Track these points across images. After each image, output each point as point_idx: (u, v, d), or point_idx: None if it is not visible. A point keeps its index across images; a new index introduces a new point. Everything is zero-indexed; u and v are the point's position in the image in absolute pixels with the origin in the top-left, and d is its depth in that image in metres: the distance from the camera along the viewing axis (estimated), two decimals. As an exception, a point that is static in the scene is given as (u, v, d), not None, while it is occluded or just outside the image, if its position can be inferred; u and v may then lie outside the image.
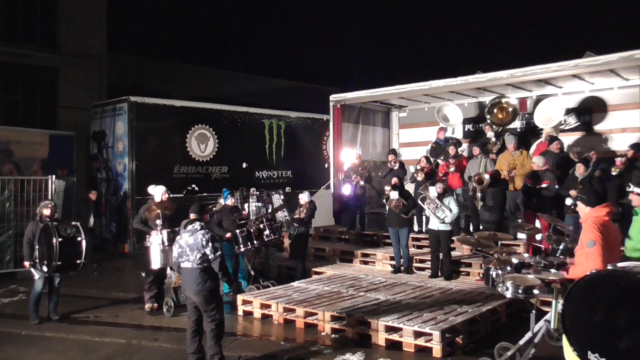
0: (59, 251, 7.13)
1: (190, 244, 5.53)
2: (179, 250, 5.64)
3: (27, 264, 7.49)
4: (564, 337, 3.89)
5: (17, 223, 10.79)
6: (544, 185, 8.92)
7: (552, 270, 5.24)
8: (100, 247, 13.42)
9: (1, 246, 10.70)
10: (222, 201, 10.42)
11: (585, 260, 4.45)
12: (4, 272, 10.59)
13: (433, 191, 8.85)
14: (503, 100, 11.77)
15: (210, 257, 5.50)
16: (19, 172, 12.70)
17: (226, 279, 5.79)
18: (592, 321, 3.59)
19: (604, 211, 4.67)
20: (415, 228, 10.76)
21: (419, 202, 9.03)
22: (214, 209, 9.69)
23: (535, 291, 5.06)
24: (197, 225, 5.61)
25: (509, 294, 5.24)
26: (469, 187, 9.86)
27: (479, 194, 9.40)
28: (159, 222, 7.90)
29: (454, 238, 9.07)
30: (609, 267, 3.88)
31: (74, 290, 9.22)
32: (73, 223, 7.77)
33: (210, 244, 5.48)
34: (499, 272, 5.59)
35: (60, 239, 7.14)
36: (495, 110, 11.83)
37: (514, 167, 9.53)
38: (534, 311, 5.35)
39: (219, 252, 5.54)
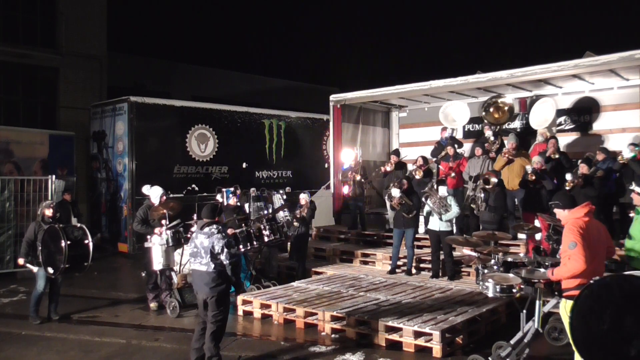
0: (67, 254, 7.08)
1: (206, 247, 5.52)
2: (193, 250, 5.64)
3: (21, 260, 7.51)
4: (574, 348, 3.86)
5: (17, 223, 10.80)
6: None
7: (542, 270, 5.25)
8: (100, 247, 13.41)
9: (1, 246, 10.71)
10: (218, 197, 10.46)
11: (568, 261, 4.45)
12: (4, 272, 10.60)
13: (443, 190, 8.84)
14: (499, 100, 11.79)
15: (225, 262, 5.50)
16: (19, 172, 12.70)
17: (236, 281, 5.76)
18: (600, 330, 3.57)
19: (582, 212, 4.66)
20: (421, 229, 10.76)
21: (424, 199, 9.02)
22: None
23: (514, 290, 5.12)
24: (214, 228, 5.58)
25: (489, 293, 5.29)
26: (472, 186, 9.84)
27: (482, 194, 9.35)
28: (164, 222, 7.91)
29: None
30: (611, 275, 3.87)
31: (74, 290, 9.22)
32: (79, 225, 7.76)
33: (226, 249, 5.47)
34: (485, 271, 5.65)
35: (69, 242, 7.10)
36: (491, 110, 11.86)
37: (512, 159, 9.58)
38: (524, 311, 5.36)
39: (234, 258, 5.53)
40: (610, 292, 3.63)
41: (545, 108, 10.92)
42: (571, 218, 4.67)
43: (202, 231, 5.62)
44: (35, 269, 7.47)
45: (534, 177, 8.91)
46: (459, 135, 12.92)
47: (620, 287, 3.61)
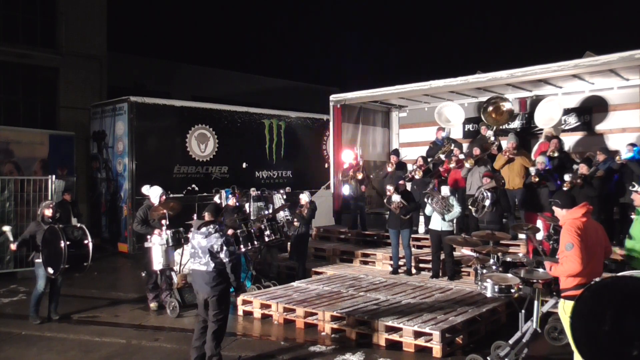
0: (67, 254, 7.06)
1: (203, 247, 5.51)
2: (191, 250, 5.65)
3: (13, 246, 7.42)
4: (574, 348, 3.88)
5: (17, 223, 10.78)
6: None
7: (540, 270, 5.26)
8: (100, 247, 13.41)
9: (1, 246, 10.69)
10: (217, 199, 10.46)
11: (565, 262, 4.46)
12: (4, 272, 10.60)
13: (445, 190, 8.84)
14: (501, 102, 11.80)
15: (225, 260, 5.49)
16: (19, 172, 12.70)
17: (236, 283, 5.75)
18: (601, 331, 3.56)
19: (580, 212, 4.65)
20: (421, 229, 10.77)
21: (426, 200, 9.02)
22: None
23: (512, 290, 5.17)
24: (211, 228, 5.57)
25: (488, 293, 5.31)
26: (482, 185, 9.84)
27: (489, 195, 9.30)
28: (164, 222, 7.91)
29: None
30: (611, 277, 3.86)
31: (74, 290, 9.22)
32: (79, 225, 7.76)
33: (225, 248, 5.47)
34: (483, 271, 5.66)
35: (68, 242, 7.09)
36: (490, 109, 11.87)
37: (512, 158, 9.56)
38: (523, 310, 5.36)
39: (234, 256, 5.53)
40: (611, 293, 3.62)
41: (551, 107, 10.91)
42: (569, 218, 4.66)
43: (199, 231, 5.61)
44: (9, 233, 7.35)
45: (537, 179, 8.91)
46: (458, 135, 12.93)
47: (622, 287, 3.60)
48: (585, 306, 3.71)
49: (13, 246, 7.50)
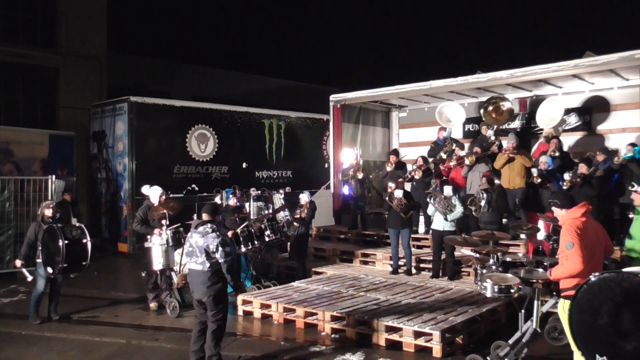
0: (65, 253, 7.07)
1: (200, 246, 5.50)
2: (189, 249, 5.63)
3: (18, 262, 7.52)
4: (571, 341, 3.92)
5: (17, 223, 10.80)
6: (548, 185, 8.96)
7: (540, 270, 5.26)
8: (100, 247, 13.41)
9: (1, 246, 10.70)
10: (217, 199, 10.46)
11: (566, 261, 4.47)
12: (4, 272, 10.60)
13: (448, 190, 8.84)
14: (501, 102, 11.81)
15: (220, 261, 5.47)
16: (19, 172, 12.70)
17: (234, 283, 5.72)
18: (598, 324, 3.63)
19: (579, 212, 4.65)
20: (421, 229, 10.77)
21: (428, 200, 9.02)
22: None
23: (512, 290, 5.18)
24: (208, 227, 5.55)
25: (488, 293, 5.32)
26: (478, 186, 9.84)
27: (484, 195, 9.32)
28: (164, 222, 7.91)
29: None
30: (611, 271, 3.90)
31: (74, 290, 9.22)
32: (77, 225, 7.76)
33: (220, 248, 5.44)
34: (483, 271, 5.66)
35: (66, 241, 7.09)
36: (489, 109, 11.88)
37: (513, 157, 9.57)
38: (523, 310, 5.37)
39: (230, 257, 5.50)
40: (609, 288, 3.69)
41: (552, 107, 10.91)
42: (569, 218, 4.67)
43: (196, 230, 5.60)
44: (29, 277, 7.47)
45: (539, 180, 8.92)
46: (459, 135, 12.93)
47: (620, 283, 3.66)
48: (583, 299, 3.78)
49: (18, 263, 7.58)
